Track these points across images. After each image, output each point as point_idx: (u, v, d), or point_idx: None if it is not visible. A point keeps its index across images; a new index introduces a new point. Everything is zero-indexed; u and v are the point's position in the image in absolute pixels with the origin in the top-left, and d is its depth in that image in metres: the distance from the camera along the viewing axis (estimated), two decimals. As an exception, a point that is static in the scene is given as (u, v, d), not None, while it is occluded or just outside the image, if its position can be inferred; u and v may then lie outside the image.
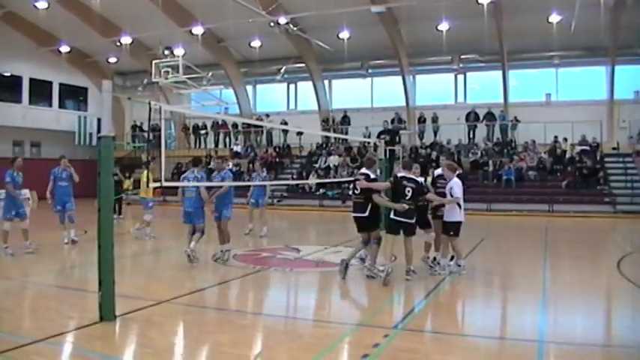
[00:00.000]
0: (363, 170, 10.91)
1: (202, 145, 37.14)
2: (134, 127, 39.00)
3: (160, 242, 16.57)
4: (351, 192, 11.38)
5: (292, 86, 37.16)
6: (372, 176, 10.75)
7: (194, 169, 12.06)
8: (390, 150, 20.81)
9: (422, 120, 32.66)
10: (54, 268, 11.72)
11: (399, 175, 10.45)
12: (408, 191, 10.14)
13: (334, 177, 28.95)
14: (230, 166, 29.85)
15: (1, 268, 11.33)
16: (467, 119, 31.40)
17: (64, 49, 33.88)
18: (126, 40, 31.51)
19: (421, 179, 10.82)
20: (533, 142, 29.30)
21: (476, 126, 31.38)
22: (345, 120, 33.75)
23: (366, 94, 35.46)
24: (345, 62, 32.77)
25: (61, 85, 36.92)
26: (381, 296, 9.59)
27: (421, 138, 32.60)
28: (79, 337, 6.99)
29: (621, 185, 26.23)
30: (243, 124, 35.93)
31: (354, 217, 10.75)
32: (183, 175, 12.82)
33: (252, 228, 17.59)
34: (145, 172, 16.71)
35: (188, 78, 24.70)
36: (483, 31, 27.03)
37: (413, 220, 10.28)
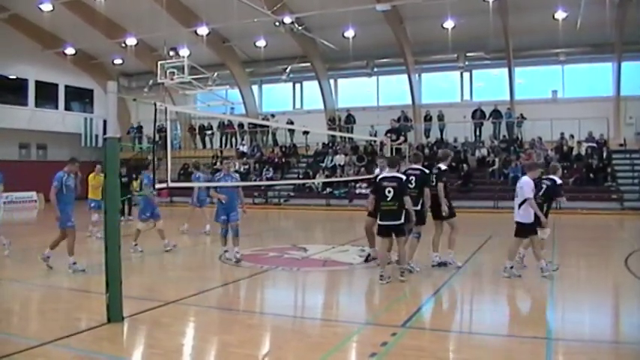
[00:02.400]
0: (415, 166, 11.29)
1: (209, 146, 37.16)
2: (139, 127, 39.01)
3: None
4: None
5: (298, 86, 37.13)
6: (427, 172, 11.28)
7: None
8: (396, 148, 20.79)
9: (428, 118, 32.62)
10: (61, 269, 11.73)
11: (380, 176, 10.47)
12: (389, 192, 10.04)
13: (341, 176, 28.93)
14: (237, 167, 29.96)
15: (8, 270, 11.35)
16: (473, 117, 31.33)
17: (70, 51, 33.91)
18: (131, 41, 31.60)
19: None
20: (540, 139, 29.19)
21: (482, 123, 31.30)
22: (350, 119, 33.71)
23: (372, 93, 35.45)
24: (351, 61, 32.72)
25: (66, 87, 36.99)
26: (388, 295, 9.57)
27: (427, 136, 32.56)
28: (87, 338, 7.00)
29: (628, 182, 26.14)
30: (249, 124, 35.95)
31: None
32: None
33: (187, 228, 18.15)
34: (92, 174, 16.69)
35: (193, 78, 24.74)
36: (489, 28, 26.95)
37: (401, 221, 10.05)
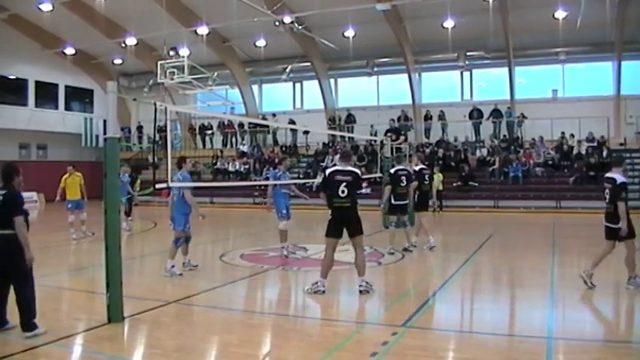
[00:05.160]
0: (401, 166, 14.06)
1: (209, 146, 37.15)
2: (139, 127, 39.02)
3: (168, 242, 16.59)
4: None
5: (298, 85, 37.12)
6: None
7: (177, 171, 11.21)
8: (396, 148, 20.83)
9: (428, 117, 32.59)
10: (62, 269, 11.75)
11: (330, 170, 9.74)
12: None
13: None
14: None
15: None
16: (470, 117, 31.31)
17: (69, 51, 33.93)
18: (131, 41, 31.56)
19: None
20: (541, 138, 29.20)
21: (480, 123, 31.28)
22: (350, 119, 33.70)
23: (372, 93, 35.42)
24: (351, 60, 32.71)
25: (66, 87, 36.94)
26: (389, 294, 9.57)
27: (427, 136, 32.53)
28: (88, 338, 7.01)
29: (629, 181, 26.07)
30: (249, 123, 35.95)
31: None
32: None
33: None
34: (65, 175, 16.61)
35: (193, 78, 24.73)
36: (489, 27, 26.90)
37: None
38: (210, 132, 37.38)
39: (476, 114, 31.19)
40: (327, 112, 34.94)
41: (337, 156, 12.44)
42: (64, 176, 16.50)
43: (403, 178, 13.39)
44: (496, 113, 30.82)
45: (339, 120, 34.25)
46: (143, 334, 7.33)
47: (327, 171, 9.57)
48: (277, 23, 27.60)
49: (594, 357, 6.34)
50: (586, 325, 7.87)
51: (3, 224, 6.79)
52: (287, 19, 27.58)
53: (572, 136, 28.82)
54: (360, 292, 9.16)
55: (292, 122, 32.81)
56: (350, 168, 9.44)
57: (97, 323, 7.38)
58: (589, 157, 27.01)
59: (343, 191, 9.06)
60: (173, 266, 10.95)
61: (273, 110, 36.37)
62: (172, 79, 24.33)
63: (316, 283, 9.25)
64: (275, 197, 13.28)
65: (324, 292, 9.14)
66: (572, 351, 6.59)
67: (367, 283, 9.25)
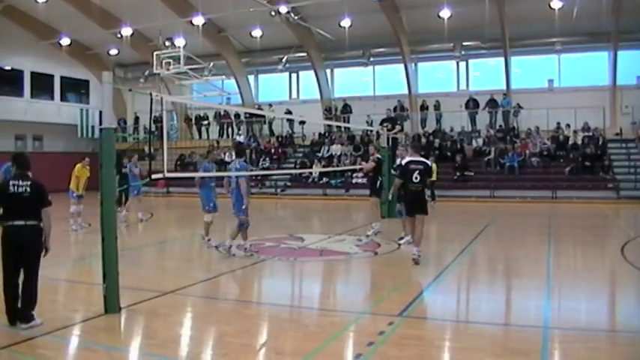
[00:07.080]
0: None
1: (205, 136, 37.08)
2: (136, 119, 38.90)
3: (164, 233, 16.62)
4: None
5: (294, 75, 36.97)
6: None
7: (236, 160, 12.03)
8: (393, 137, 20.78)
9: (424, 107, 32.52)
10: (58, 261, 11.72)
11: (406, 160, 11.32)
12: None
13: (337, 166, 28.90)
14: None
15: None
16: (466, 107, 31.24)
17: (65, 41, 33.74)
18: (126, 31, 31.33)
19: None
20: (536, 128, 29.17)
21: (476, 113, 31.23)
22: (346, 109, 33.64)
23: (369, 83, 35.32)
24: (347, 50, 32.55)
25: (62, 78, 36.74)
26: (385, 284, 9.59)
27: (423, 126, 32.48)
28: (85, 329, 7.01)
29: (624, 171, 26.13)
30: (245, 114, 35.87)
31: None
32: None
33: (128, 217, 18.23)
34: (78, 165, 16.49)
35: (189, 69, 24.69)
36: (485, 17, 26.80)
37: None
38: (206, 122, 37.25)
39: (472, 104, 31.11)
40: (323, 103, 34.84)
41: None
42: (78, 165, 16.41)
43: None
44: (492, 103, 30.75)
45: (335, 110, 34.17)
46: (140, 325, 7.34)
47: (404, 162, 11.38)
48: (273, 13, 27.46)
49: (590, 346, 6.36)
50: (582, 314, 7.90)
51: (31, 215, 7.04)
52: (283, 9, 27.44)
53: (568, 126, 28.79)
54: (413, 259, 10.52)
55: (288, 112, 32.77)
56: (421, 158, 11.22)
57: (93, 314, 7.39)
58: (585, 147, 27.00)
59: (416, 177, 10.79)
60: (231, 246, 11.72)
61: (269, 100, 36.26)
62: (168, 70, 24.30)
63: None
64: (204, 190, 13.00)
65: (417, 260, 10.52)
66: (568, 340, 6.61)
67: (420, 255, 10.59)
